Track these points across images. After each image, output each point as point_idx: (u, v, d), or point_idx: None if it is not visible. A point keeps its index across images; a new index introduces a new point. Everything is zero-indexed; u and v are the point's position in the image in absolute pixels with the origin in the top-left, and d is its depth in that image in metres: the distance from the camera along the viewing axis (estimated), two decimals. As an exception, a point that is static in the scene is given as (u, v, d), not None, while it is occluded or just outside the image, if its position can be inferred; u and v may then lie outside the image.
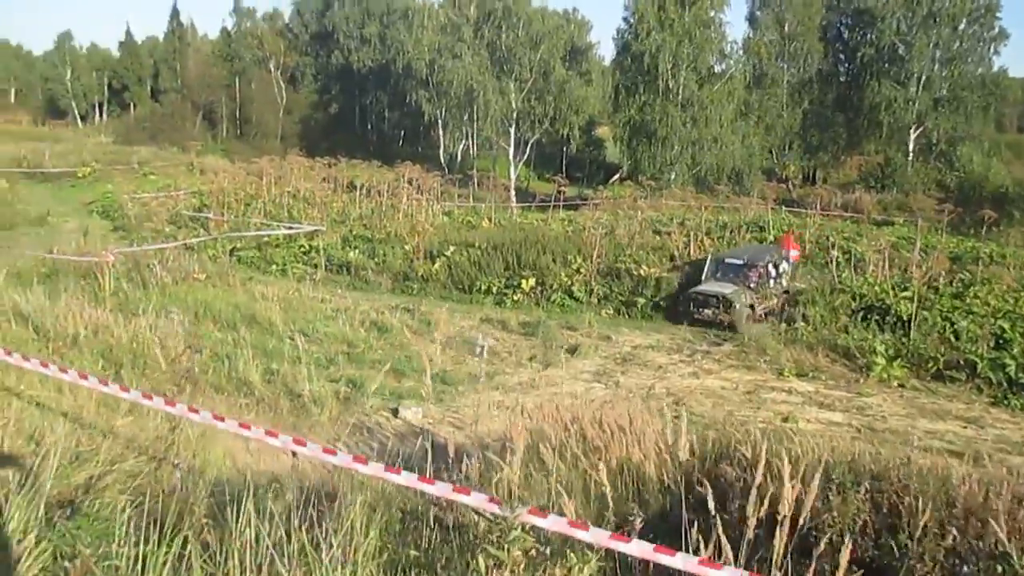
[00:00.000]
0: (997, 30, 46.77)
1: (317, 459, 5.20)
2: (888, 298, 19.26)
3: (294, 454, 6.34)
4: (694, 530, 4.79)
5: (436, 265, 23.66)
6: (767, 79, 50.79)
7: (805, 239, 26.05)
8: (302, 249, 26.69)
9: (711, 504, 5.30)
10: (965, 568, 4.94)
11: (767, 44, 49.57)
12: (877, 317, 18.80)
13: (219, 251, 25.82)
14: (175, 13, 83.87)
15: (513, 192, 43.63)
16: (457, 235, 26.42)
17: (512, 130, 47.86)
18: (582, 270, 22.73)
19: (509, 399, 14.38)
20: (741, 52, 48.67)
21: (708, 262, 21.82)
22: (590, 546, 4.26)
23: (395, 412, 12.76)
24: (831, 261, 23.02)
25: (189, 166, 51.23)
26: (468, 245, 24.53)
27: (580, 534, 4.53)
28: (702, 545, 4.59)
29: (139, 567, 3.54)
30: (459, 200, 38.16)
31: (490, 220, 30.43)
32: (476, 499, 4.58)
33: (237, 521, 3.81)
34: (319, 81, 73.18)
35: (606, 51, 54.56)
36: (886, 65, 47.93)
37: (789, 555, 4.77)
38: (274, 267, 25.38)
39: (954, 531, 5.12)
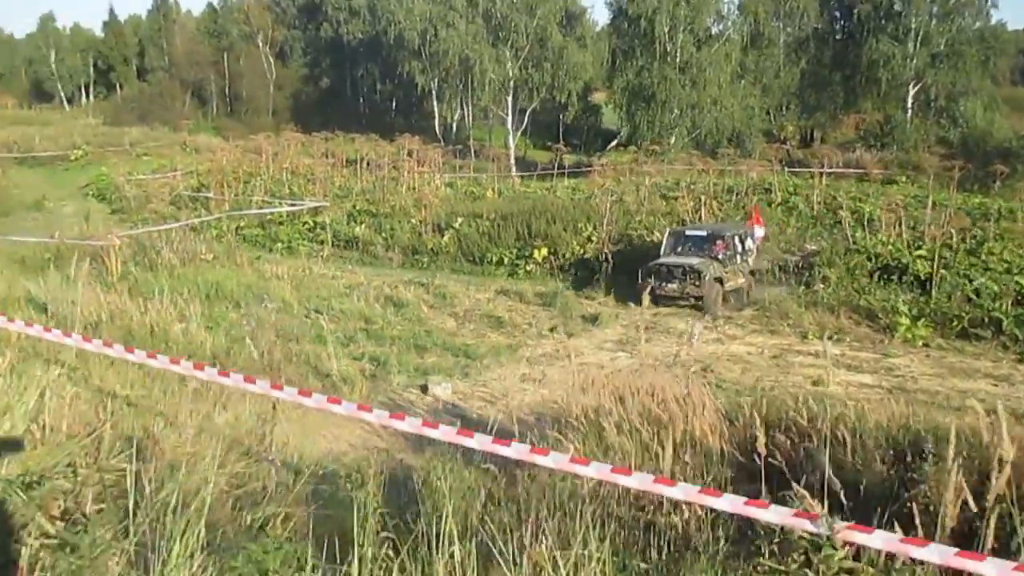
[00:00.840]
0: (995, -18, 46.35)
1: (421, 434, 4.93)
2: (904, 257, 19.06)
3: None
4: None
5: (445, 238, 23.40)
6: (763, 39, 50.22)
7: (813, 200, 25.88)
8: (306, 226, 26.38)
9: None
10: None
11: (763, 3, 48.94)
12: (894, 277, 18.63)
13: (223, 231, 25.48)
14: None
15: (513, 161, 43.23)
16: (464, 207, 26.14)
17: (509, 99, 47.32)
18: (593, 238, 22.48)
19: (535, 371, 14.25)
20: (737, 13, 48.10)
21: (666, 236, 19.89)
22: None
23: (424, 389, 12.58)
24: (842, 221, 22.86)
25: (182, 145, 50.67)
26: (476, 216, 24.26)
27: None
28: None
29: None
30: (452, 171, 37.77)
31: (494, 191, 30.09)
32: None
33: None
34: (309, 55, 72.26)
35: (599, 15, 53.86)
36: (883, 21, 47.44)
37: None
38: (279, 245, 25.08)
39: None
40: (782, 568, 4.08)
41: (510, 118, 47.43)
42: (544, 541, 4.19)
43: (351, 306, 17.71)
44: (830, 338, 15.91)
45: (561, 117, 52.79)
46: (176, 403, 6.05)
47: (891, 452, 6.44)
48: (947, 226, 19.79)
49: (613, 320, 17.39)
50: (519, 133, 47.69)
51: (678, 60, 43.56)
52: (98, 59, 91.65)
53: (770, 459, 5.82)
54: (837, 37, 52.89)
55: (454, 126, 54.83)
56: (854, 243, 20.51)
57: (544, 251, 21.71)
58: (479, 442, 5.19)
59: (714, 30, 45.77)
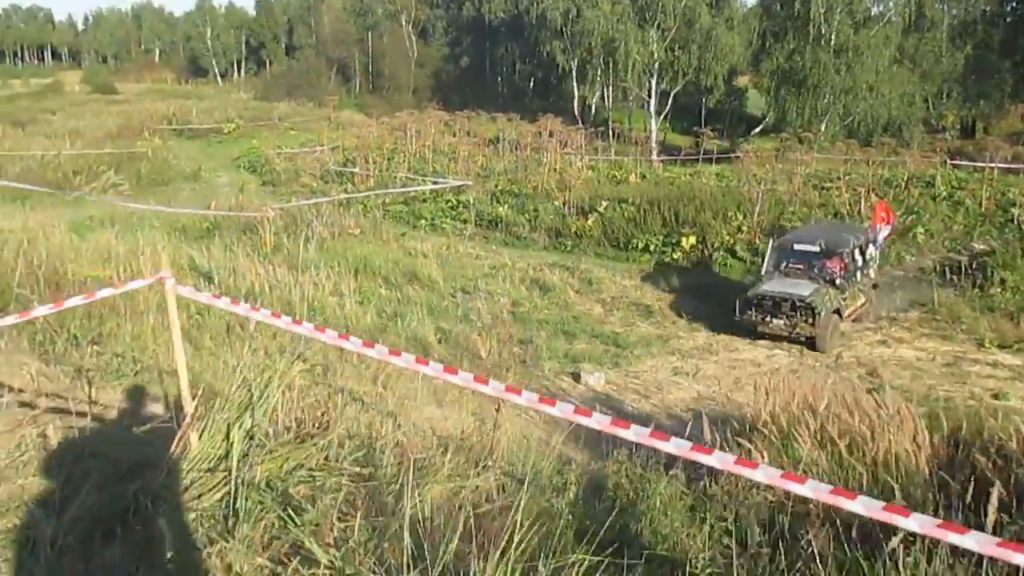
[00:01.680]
0: None
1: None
2: (1093, 262, 17.45)
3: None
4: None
5: (589, 221, 22.97)
6: (926, 22, 47.22)
7: (981, 195, 24.09)
8: (449, 204, 26.51)
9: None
10: None
11: (929, -17, 46.01)
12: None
13: (369, 206, 25.89)
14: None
15: (655, 145, 42.30)
16: (607, 190, 25.66)
17: (653, 81, 46.26)
18: (744, 228, 21.61)
19: (688, 364, 13.75)
20: (901, -7, 45.38)
21: (769, 249, 16.32)
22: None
23: (576, 377, 12.28)
24: (1015, 220, 21.23)
25: (327, 121, 52.10)
26: (621, 201, 23.73)
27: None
28: None
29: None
30: (593, 153, 37.20)
31: (637, 175, 29.43)
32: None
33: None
34: (450, 34, 73.00)
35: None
36: (1063, 3, 43.81)
37: None
38: (423, 222, 25.28)
39: None
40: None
41: (653, 101, 46.36)
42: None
43: (497, 287, 17.59)
44: (1009, 347, 14.74)
45: (704, 101, 51.30)
46: (400, 401, 5.89)
47: None
48: None
49: (768, 315, 16.58)
50: (661, 117, 46.54)
51: (833, 43, 41.47)
52: (250, 36, 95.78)
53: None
54: (1008, 20, 49.15)
55: (592, 107, 54.16)
56: (1033, 245, 18.90)
57: (692, 239, 20.99)
58: (635, 434, 4.73)
59: (874, 11, 43.31)
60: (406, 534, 2.86)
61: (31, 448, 3.70)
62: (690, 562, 4.30)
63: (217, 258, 15.33)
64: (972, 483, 5.18)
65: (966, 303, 16.64)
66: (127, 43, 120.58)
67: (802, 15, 41.79)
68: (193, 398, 3.29)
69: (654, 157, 37.89)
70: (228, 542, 3.03)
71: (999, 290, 17.08)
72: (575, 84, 52.95)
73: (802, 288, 14.75)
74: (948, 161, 31.22)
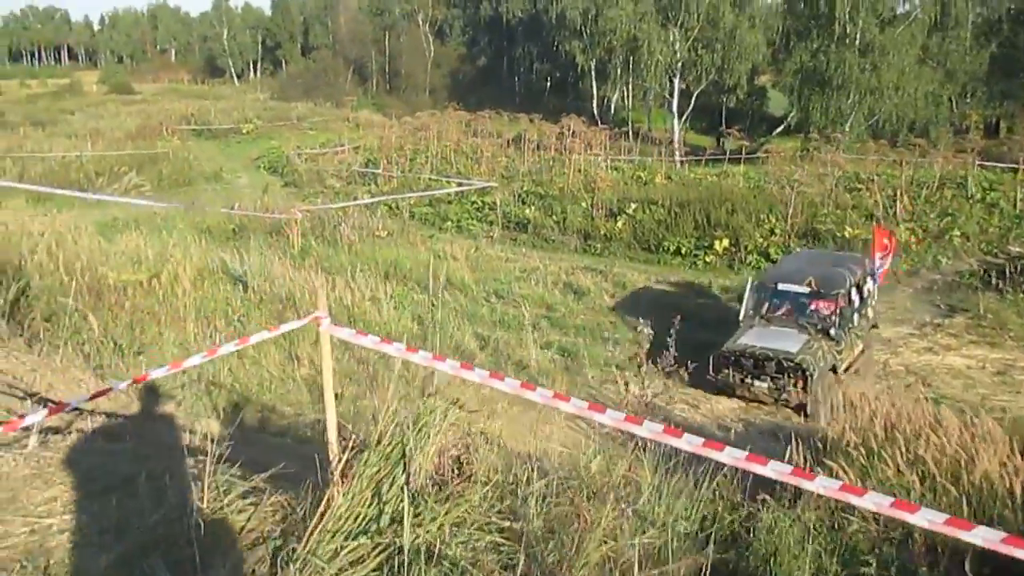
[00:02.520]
0: None
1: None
2: None
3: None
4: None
5: (619, 223, 22.68)
6: (950, 20, 46.61)
7: (1016, 196, 23.63)
8: (475, 205, 26.28)
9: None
10: None
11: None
12: None
13: (396, 208, 25.69)
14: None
15: (678, 145, 41.92)
16: (635, 191, 25.35)
17: (676, 81, 45.86)
18: (777, 231, 21.29)
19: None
20: (927, -8, 44.77)
21: (748, 290, 13.34)
22: None
23: (627, 385, 11.97)
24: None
25: (345, 120, 51.98)
26: (650, 202, 23.43)
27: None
28: None
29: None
30: (615, 154, 36.87)
31: (663, 176, 29.09)
32: None
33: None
34: (467, 34, 72.80)
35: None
36: (1092, 1, 43.18)
37: None
38: (449, 224, 25.05)
39: None
40: None
41: (675, 101, 45.95)
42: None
43: (530, 291, 17.33)
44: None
45: (724, 100, 50.88)
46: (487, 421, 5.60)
47: None
48: None
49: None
50: (684, 116, 46.12)
51: (858, 42, 40.96)
52: (266, 36, 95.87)
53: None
54: (1034, 18, 48.47)
55: (612, 107, 53.82)
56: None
57: (725, 242, 20.67)
58: (688, 442, 4.41)
59: (899, 10, 42.79)
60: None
61: (143, 498, 3.40)
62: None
63: (250, 262, 15.06)
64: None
65: (1011, 308, 16.29)
66: (143, 43, 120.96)
67: (827, 14, 41.32)
68: (342, 449, 3.00)
69: (677, 157, 37.51)
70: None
71: (1047, 297, 16.71)
72: (594, 84, 52.62)
73: (789, 342, 12.00)
74: (977, 162, 30.77)
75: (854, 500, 4.50)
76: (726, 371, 12.02)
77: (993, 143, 39.62)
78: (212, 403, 8.05)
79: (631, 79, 49.00)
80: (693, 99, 46.66)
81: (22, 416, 3.70)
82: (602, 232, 22.66)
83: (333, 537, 2.67)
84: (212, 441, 3.20)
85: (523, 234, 23.68)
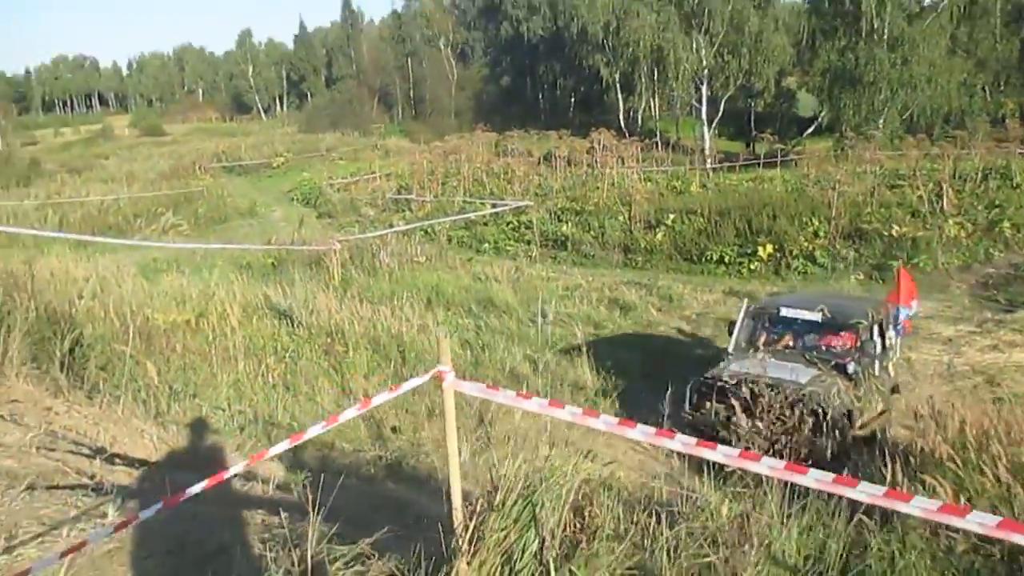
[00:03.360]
0: None
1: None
2: None
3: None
4: None
5: (658, 235, 22.41)
6: (978, 9, 45.87)
7: None
8: (511, 226, 26.13)
9: None
10: None
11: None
12: None
13: (432, 232, 25.62)
14: (347, 1, 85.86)
15: (708, 153, 41.52)
16: (672, 202, 25.06)
17: (704, 88, 45.53)
18: (821, 233, 20.88)
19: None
20: (953, -18, 44.11)
21: (741, 316, 10.63)
22: None
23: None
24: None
25: (373, 148, 52.29)
26: (689, 212, 23.15)
27: None
28: None
29: None
30: (647, 165, 36.60)
31: (698, 184, 28.76)
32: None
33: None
34: (489, 55, 73.10)
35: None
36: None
37: None
38: (486, 245, 24.91)
39: None
40: None
41: (704, 108, 45.59)
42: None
43: (575, 309, 17.07)
44: None
45: (752, 104, 50.43)
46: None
47: None
48: None
49: (864, 324, 15.81)
50: (712, 123, 45.71)
51: (886, 36, 40.39)
52: (290, 71, 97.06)
53: None
54: (1065, 1, 47.56)
55: (639, 118, 53.59)
56: None
57: (769, 248, 20.30)
58: (817, 481, 4.03)
59: (926, 1, 42.15)
60: None
61: (240, 567, 3.13)
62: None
63: (296, 296, 14.95)
64: None
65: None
66: (171, 85, 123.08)
67: (853, 11, 40.85)
68: (469, 511, 2.76)
69: (710, 165, 37.15)
70: None
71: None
72: (619, 96, 52.43)
73: (796, 373, 9.12)
74: (1018, 150, 30.08)
75: (956, 522, 4.16)
76: (707, 406, 9.19)
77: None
78: (271, 444, 7.89)
79: (657, 89, 48.72)
80: (721, 105, 46.26)
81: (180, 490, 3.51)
82: (642, 245, 22.40)
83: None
84: (305, 497, 2.97)
85: (562, 251, 23.47)
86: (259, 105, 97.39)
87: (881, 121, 39.54)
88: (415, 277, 19.83)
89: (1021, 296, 16.51)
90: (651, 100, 51.69)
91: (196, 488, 2.83)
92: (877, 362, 10.10)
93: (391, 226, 25.48)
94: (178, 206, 34.17)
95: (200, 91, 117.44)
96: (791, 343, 10.31)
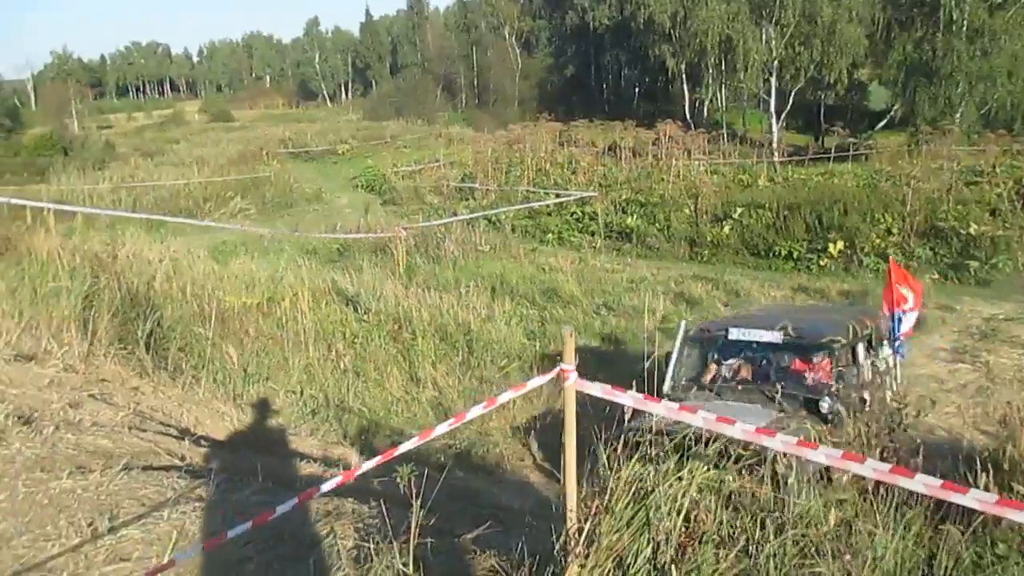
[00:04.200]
0: None
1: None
2: None
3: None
4: None
5: (725, 229, 22.08)
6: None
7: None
8: (575, 216, 25.98)
9: None
10: None
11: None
12: None
13: (496, 221, 25.64)
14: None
15: (776, 146, 40.78)
16: (740, 195, 24.64)
17: (773, 80, 44.65)
18: (894, 230, 20.34)
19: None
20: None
21: (679, 341, 8.42)
22: None
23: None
24: None
25: (437, 137, 52.49)
26: (757, 206, 22.72)
27: None
28: None
29: None
30: (713, 157, 36.03)
31: (767, 178, 28.22)
32: None
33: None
34: (554, 44, 72.81)
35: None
36: None
37: None
38: (550, 236, 24.85)
39: None
40: None
41: (772, 100, 44.70)
42: None
43: (640, 302, 16.91)
44: None
45: (822, 97, 49.32)
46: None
47: None
48: None
49: (940, 324, 15.39)
50: (781, 115, 44.81)
51: (965, 28, 39.12)
52: (356, 58, 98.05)
53: None
54: None
55: (705, 110, 52.87)
56: None
57: (840, 244, 19.85)
58: (925, 486, 3.73)
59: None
60: None
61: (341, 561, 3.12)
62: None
63: (362, 282, 15.11)
64: None
65: None
66: (240, 72, 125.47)
67: (930, 1, 39.68)
68: (584, 512, 2.73)
69: (777, 158, 36.48)
70: None
71: None
72: (685, 87, 51.78)
73: (751, 417, 6.47)
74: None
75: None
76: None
77: None
78: (343, 429, 7.99)
79: (724, 80, 47.97)
80: (790, 97, 45.33)
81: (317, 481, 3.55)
82: (708, 238, 22.10)
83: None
84: (412, 495, 2.93)
85: (626, 243, 23.28)
86: (325, 92, 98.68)
87: (958, 115, 38.30)
88: (479, 266, 19.86)
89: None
90: (718, 91, 50.93)
91: (330, 484, 2.84)
92: (863, 389, 7.82)
93: (455, 214, 25.55)
94: (246, 191, 34.75)
95: (268, 78, 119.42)
96: (747, 376, 7.98)
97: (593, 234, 24.10)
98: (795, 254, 20.50)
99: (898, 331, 8.94)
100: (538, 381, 4.12)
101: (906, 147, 32.07)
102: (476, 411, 3.84)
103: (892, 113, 44.87)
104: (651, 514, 2.65)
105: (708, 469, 3.26)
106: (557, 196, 27.36)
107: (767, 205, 22.56)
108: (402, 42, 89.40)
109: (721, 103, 52.70)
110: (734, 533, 2.83)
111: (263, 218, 31.18)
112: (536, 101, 65.07)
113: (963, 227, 19.71)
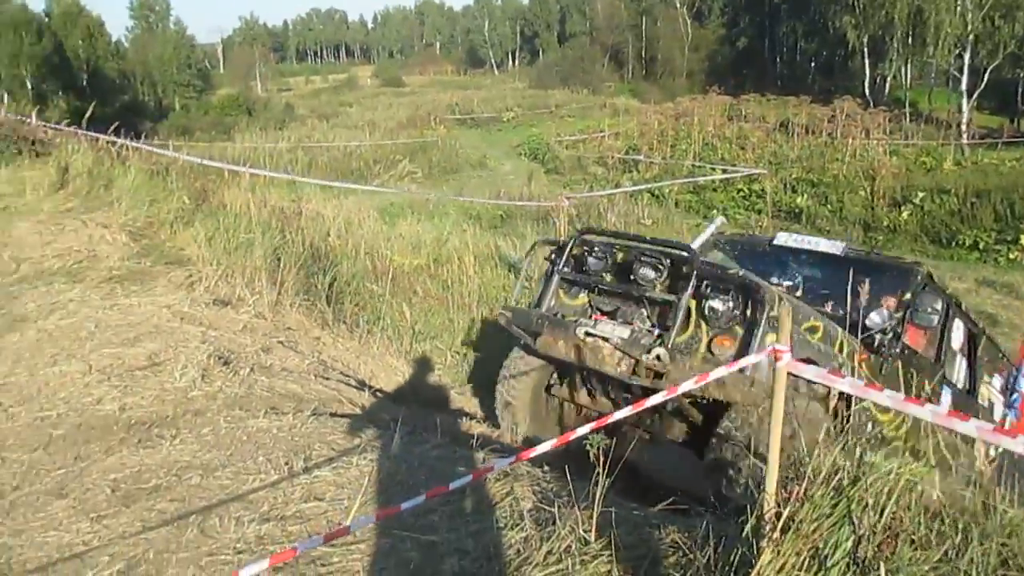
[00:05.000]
0: None
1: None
2: None
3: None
4: None
5: (904, 214, 20.89)
6: None
7: None
8: (741, 193, 25.24)
9: None
10: None
11: None
12: None
13: (659, 195, 25.28)
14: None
15: (966, 127, 37.98)
16: (921, 179, 23.19)
17: (967, 55, 41.46)
18: (1100, 224, 18.66)
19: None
20: None
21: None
22: None
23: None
24: None
25: (602, 107, 52.08)
26: (940, 191, 21.35)
27: None
28: None
29: None
30: (894, 136, 33.95)
31: (954, 161, 26.39)
32: None
33: None
34: (726, 15, 70.48)
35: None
36: None
37: None
38: (714, 212, 24.17)
39: None
40: None
41: (964, 77, 41.47)
42: None
43: (808, 285, 16.29)
44: None
45: (1022, 75, 45.41)
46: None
47: None
48: None
49: None
50: (973, 95, 41.56)
51: None
52: (524, 27, 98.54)
53: None
54: None
55: (886, 86, 49.85)
56: None
57: (1034, 236, 18.41)
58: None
59: None
60: None
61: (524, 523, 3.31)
62: None
63: (524, 249, 15.22)
64: None
65: None
66: (411, 38, 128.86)
67: None
68: (783, 497, 2.69)
69: (966, 140, 34.02)
70: None
71: None
72: (866, 61, 48.95)
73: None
74: None
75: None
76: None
77: None
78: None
79: (911, 55, 44.99)
80: (985, 75, 41.98)
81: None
82: (885, 223, 20.99)
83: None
84: (600, 462, 2.95)
85: (795, 224, 22.42)
86: (492, 60, 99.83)
87: None
88: (640, 240, 19.66)
89: None
90: (903, 67, 47.87)
91: (544, 447, 2.90)
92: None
93: (618, 186, 25.35)
94: (414, 154, 35.73)
95: (438, 45, 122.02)
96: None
97: (760, 212, 23.35)
98: (981, 244, 19.16)
99: (1020, 386, 7.55)
100: (751, 359, 4.02)
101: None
102: (659, 397, 3.36)
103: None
104: (853, 506, 2.54)
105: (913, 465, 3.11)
106: (724, 172, 26.62)
107: (952, 190, 21.15)
108: (571, 11, 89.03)
109: (905, 80, 49.52)
110: (931, 535, 2.68)
111: (429, 181, 31.99)
112: (705, 73, 63.34)
113: None
